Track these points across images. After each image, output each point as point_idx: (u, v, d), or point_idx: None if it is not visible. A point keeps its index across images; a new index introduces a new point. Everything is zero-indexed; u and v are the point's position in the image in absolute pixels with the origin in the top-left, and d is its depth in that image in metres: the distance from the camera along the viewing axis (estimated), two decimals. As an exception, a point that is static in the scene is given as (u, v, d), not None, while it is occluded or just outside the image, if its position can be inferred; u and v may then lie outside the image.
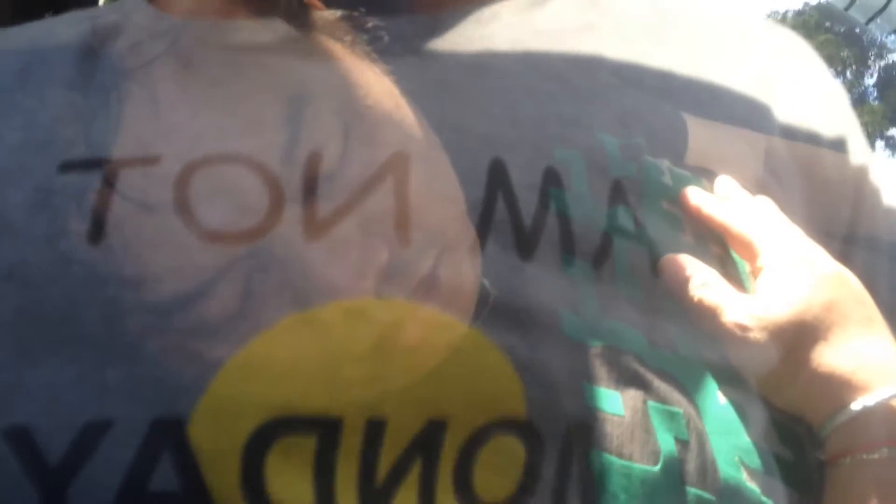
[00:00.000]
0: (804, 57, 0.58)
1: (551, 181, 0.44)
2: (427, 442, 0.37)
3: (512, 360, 0.39)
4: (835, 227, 0.53)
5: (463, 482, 0.37)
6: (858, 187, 0.55)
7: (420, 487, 0.36)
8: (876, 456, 0.42)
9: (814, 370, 0.44)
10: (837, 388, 0.44)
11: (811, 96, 0.56)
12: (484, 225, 0.41)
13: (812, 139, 0.54)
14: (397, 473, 0.36)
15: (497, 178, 0.43)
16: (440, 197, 0.41)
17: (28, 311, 0.37)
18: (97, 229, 0.37)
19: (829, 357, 0.44)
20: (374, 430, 0.36)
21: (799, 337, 0.44)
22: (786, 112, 0.54)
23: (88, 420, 0.34)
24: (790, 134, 0.53)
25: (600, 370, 0.41)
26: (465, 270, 0.40)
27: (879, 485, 0.42)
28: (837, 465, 0.43)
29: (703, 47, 0.54)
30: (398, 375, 0.37)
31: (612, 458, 0.40)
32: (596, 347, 0.42)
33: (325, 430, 0.36)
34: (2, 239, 0.38)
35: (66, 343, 0.36)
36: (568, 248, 0.43)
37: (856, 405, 0.43)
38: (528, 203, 0.43)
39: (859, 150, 0.56)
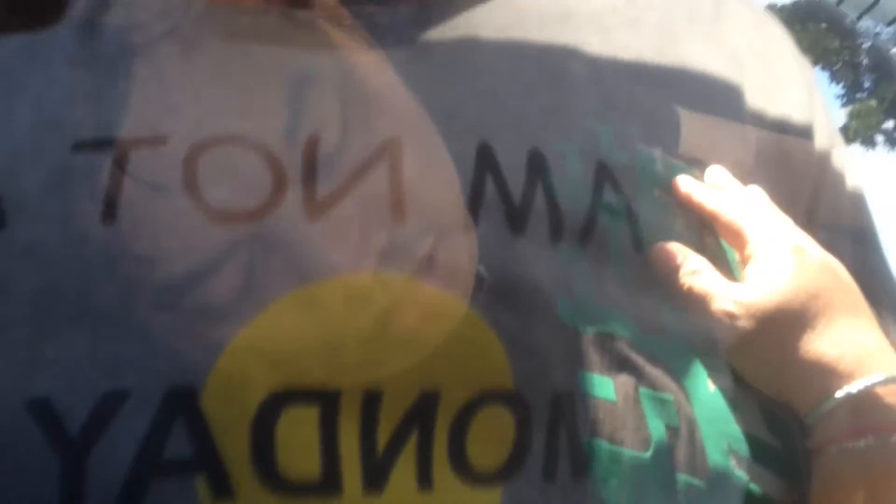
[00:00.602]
0: (773, 36, 0.58)
1: (537, 162, 0.44)
2: (421, 414, 0.38)
3: (499, 334, 0.40)
4: (795, 214, 0.53)
5: (457, 453, 0.38)
6: (820, 175, 0.55)
7: (417, 458, 0.38)
8: (861, 444, 0.43)
9: (800, 358, 0.45)
10: (823, 376, 0.44)
11: (780, 77, 0.56)
12: (474, 205, 0.42)
13: (781, 121, 0.55)
14: (395, 445, 0.37)
15: (485, 160, 0.43)
16: (435, 180, 0.42)
17: (45, 287, 0.38)
18: (109, 210, 0.38)
19: (815, 345, 0.45)
20: (371, 402, 0.38)
21: (785, 324, 0.45)
22: (755, 93, 0.54)
23: (106, 391, 0.35)
24: (759, 116, 0.54)
25: (593, 356, 0.42)
26: (462, 253, 0.41)
27: (864, 472, 0.43)
28: (823, 453, 0.44)
29: (677, 31, 0.54)
30: (396, 358, 0.38)
31: (604, 444, 0.40)
32: (589, 334, 0.42)
33: (326, 401, 0.37)
34: (20, 218, 0.39)
35: (81, 318, 0.37)
36: (556, 225, 0.43)
37: (840, 393, 0.43)
38: (515, 182, 0.43)
39: (825, 133, 0.56)
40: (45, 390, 0.36)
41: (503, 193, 0.43)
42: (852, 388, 0.44)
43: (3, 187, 0.39)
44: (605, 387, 0.42)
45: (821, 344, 0.45)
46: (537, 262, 0.42)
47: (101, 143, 0.40)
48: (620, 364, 0.42)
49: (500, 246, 0.42)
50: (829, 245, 0.50)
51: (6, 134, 0.42)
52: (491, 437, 0.39)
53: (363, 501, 0.37)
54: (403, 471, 0.37)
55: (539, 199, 0.44)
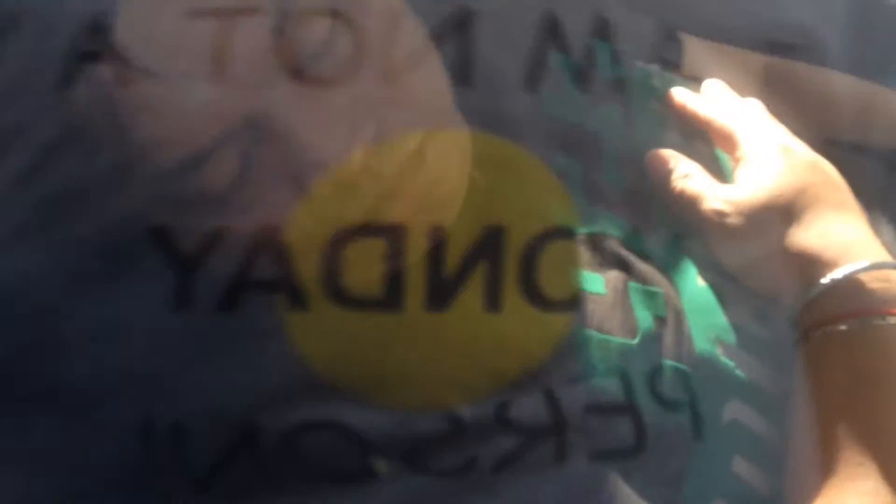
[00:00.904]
0: None
1: (599, 26, 0.49)
2: (488, 247, 0.43)
3: (567, 179, 0.46)
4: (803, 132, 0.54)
5: (528, 282, 0.43)
6: (830, 98, 0.56)
7: (485, 284, 0.43)
8: (844, 327, 0.45)
9: (787, 250, 0.46)
10: (808, 266, 0.46)
11: None
12: (539, 67, 0.47)
13: None
14: (463, 272, 0.43)
15: (549, 26, 0.48)
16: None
17: (165, 137, 0.43)
18: (218, 69, 0.43)
19: (801, 237, 0.46)
20: (437, 236, 0.42)
21: (773, 219, 0.47)
22: None
23: (210, 226, 0.43)
24: None
25: (585, 254, 0.45)
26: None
27: (847, 355, 0.45)
28: (809, 339, 0.46)
29: None
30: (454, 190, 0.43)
31: (593, 333, 0.43)
32: (581, 234, 0.45)
33: (392, 235, 0.42)
34: (145, 80, 0.44)
35: (193, 164, 0.43)
36: (616, 83, 0.49)
37: (825, 280, 0.45)
38: (578, 44, 0.48)
39: None
40: (164, 221, 0.43)
41: (566, 53, 0.47)
42: (836, 274, 0.45)
43: (136, 58, 0.44)
44: (596, 282, 0.44)
45: (807, 236, 0.46)
46: (593, 114, 0.47)
47: (211, 12, 0.44)
48: (611, 261, 0.45)
49: (561, 100, 0.47)
50: (852, 164, 0.51)
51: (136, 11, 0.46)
52: (562, 269, 0.44)
53: (425, 317, 0.42)
54: (471, 294, 0.42)
55: (600, 60, 0.48)
